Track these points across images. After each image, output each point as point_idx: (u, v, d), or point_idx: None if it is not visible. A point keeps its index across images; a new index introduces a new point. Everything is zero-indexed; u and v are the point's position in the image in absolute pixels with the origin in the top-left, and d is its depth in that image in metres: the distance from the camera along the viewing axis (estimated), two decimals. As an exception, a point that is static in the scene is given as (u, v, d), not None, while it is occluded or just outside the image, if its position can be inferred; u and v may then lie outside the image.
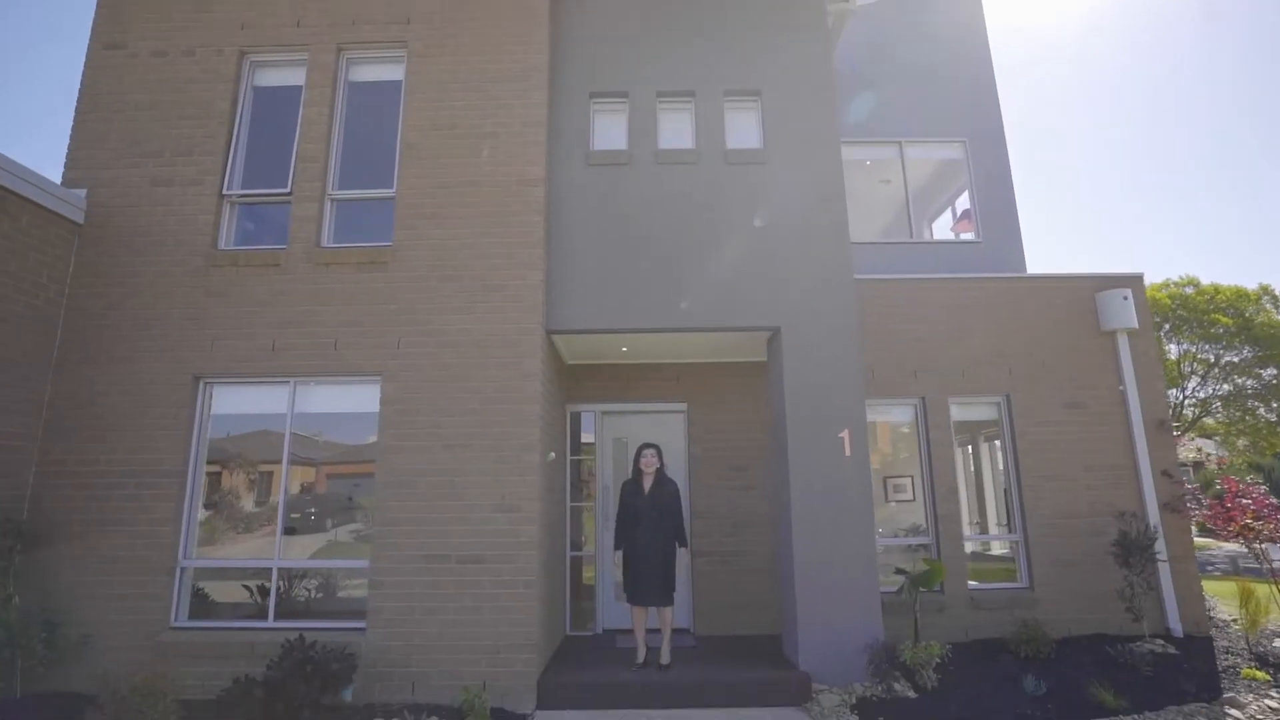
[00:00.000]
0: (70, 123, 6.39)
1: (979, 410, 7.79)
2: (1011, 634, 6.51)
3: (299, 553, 5.90)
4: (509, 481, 5.66)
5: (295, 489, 6.04)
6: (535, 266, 6.07)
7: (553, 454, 6.42)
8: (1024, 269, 8.85)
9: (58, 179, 6.18)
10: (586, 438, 7.84)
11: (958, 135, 9.20)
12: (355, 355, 5.94)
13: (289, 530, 5.90)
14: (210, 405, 6.07)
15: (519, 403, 5.79)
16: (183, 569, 5.73)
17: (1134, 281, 7.76)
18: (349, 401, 6.06)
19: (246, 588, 5.82)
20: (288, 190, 6.37)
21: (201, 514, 5.92)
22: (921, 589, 6.47)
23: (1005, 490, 7.74)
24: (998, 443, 8.04)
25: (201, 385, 6.01)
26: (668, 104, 6.98)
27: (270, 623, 5.65)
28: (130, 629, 5.48)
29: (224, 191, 6.34)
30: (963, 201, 9.35)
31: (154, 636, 5.47)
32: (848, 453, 5.93)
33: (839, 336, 6.19)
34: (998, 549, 7.89)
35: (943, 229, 9.68)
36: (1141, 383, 7.51)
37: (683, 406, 7.74)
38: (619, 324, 6.22)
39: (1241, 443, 23.51)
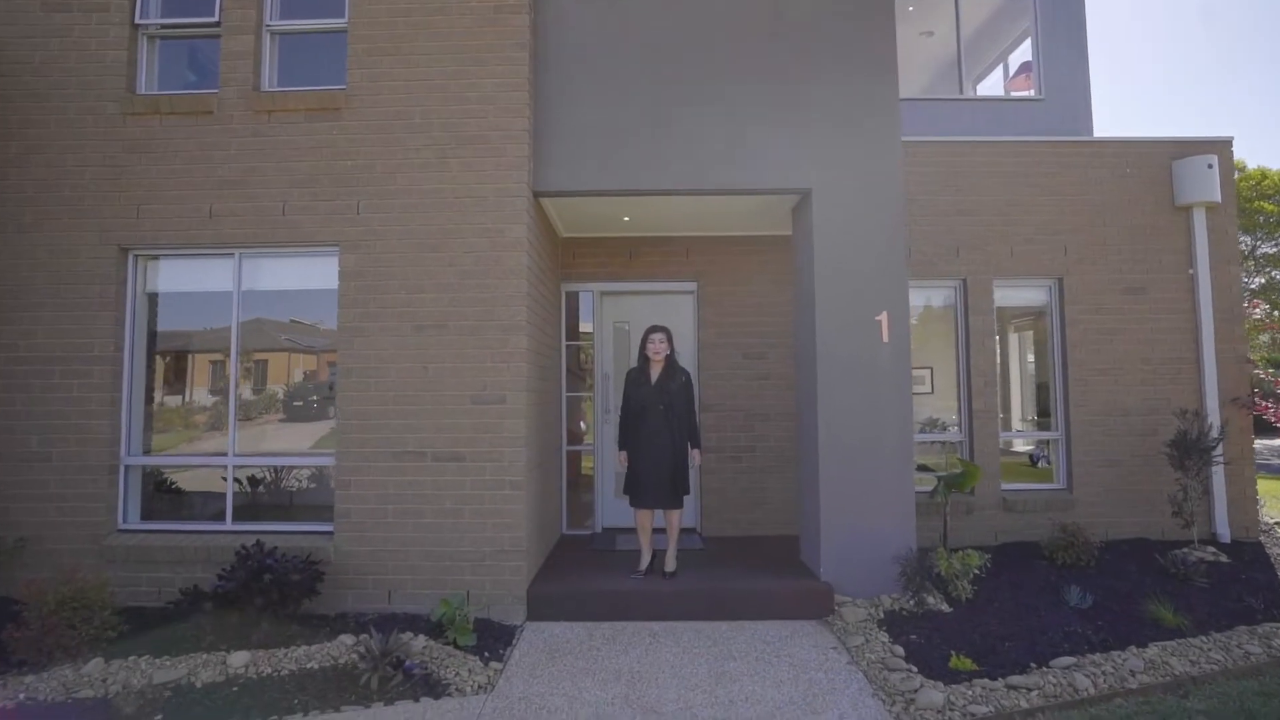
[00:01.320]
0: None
1: (1026, 294, 6.92)
2: (1046, 538, 5.95)
3: (300, 443, 5.27)
4: (491, 369, 4.89)
5: (298, 376, 5.45)
6: (518, 114, 5.03)
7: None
8: (1091, 133, 7.70)
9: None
10: (585, 325, 7.02)
11: (1023, -33, 7.80)
12: (308, 222, 5.02)
13: (292, 419, 5.36)
14: (145, 281, 5.22)
15: (502, 277, 4.93)
16: (126, 467, 5.07)
17: (1220, 146, 6.67)
18: (307, 277, 5.21)
19: (237, 480, 5.21)
20: (215, 20, 5.23)
21: (159, 405, 5.25)
22: (953, 491, 5.85)
23: (1039, 385, 7.02)
24: (1030, 334, 7.25)
25: (131, 258, 5.13)
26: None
27: (228, 525, 5.06)
28: (73, 531, 4.89)
29: (137, 20, 5.20)
30: (1022, 53, 8.05)
31: (100, 540, 4.88)
32: (885, 338, 5.11)
33: (880, 202, 5.23)
34: (1019, 446, 7.25)
35: (993, 90, 8.43)
36: (1215, 266, 6.59)
37: (692, 286, 6.87)
38: (618, 185, 5.24)
39: (1264, 338, 22.70)
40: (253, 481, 5.28)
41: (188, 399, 5.40)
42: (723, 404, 6.70)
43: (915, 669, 3.90)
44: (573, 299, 6.97)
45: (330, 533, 4.91)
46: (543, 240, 5.72)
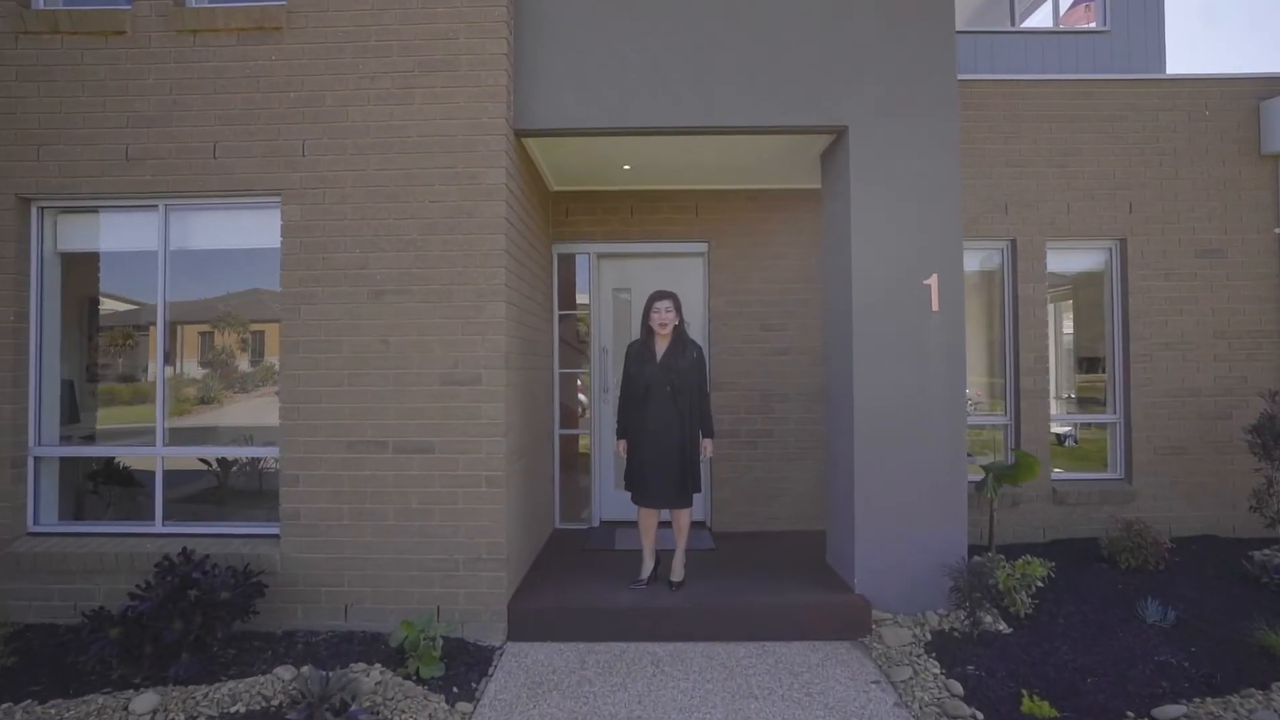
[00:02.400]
0: None
1: (1082, 258, 6.08)
2: (1106, 536, 5.20)
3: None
4: (463, 342, 4.08)
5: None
6: (496, 34, 4.15)
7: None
8: (1164, 70, 6.77)
9: None
10: (581, 294, 6.18)
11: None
12: (243, 167, 4.18)
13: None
14: (55, 239, 4.41)
15: (476, 232, 4.10)
16: (37, 458, 4.30)
17: (1320, 83, 5.76)
18: (246, 234, 4.38)
19: (205, 462, 4.52)
20: (129, -83, 4.33)
21: (88, 385, 4.51)
22: (1002, 484, 5.07)
23: (1079, 361, 6.21)
24: (1069, 303, 6.41)
25: (35, 211, 4.31)
26: None
27: (158, 526, 4.30)
28: (-27, 533, 4.14)
29: (33, -83, 4.32)
30: (1081, -21, 7.09)
31: (4, 546, 4.13)
32: (935, 306, 4.29)
33: (930, 144, 4.36)
34: (1060, 429, 6.45)
35: (1047, 21, 7.43)
36: (1307, 223, 5.73)
37: (702, 247, 6.02)
38: (617, 121, 4.37)
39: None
40: (224, 464, 4.55)
41: (125, 378, 4.62)
42: (736, 382, 5.90)
43: (981, 715, 3.15)
44: (567, 263, 6.14)
45: (277, 536, 4.15)
46: (528, 192, 4.88)
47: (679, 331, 4.41)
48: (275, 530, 4.17)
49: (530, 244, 4.95)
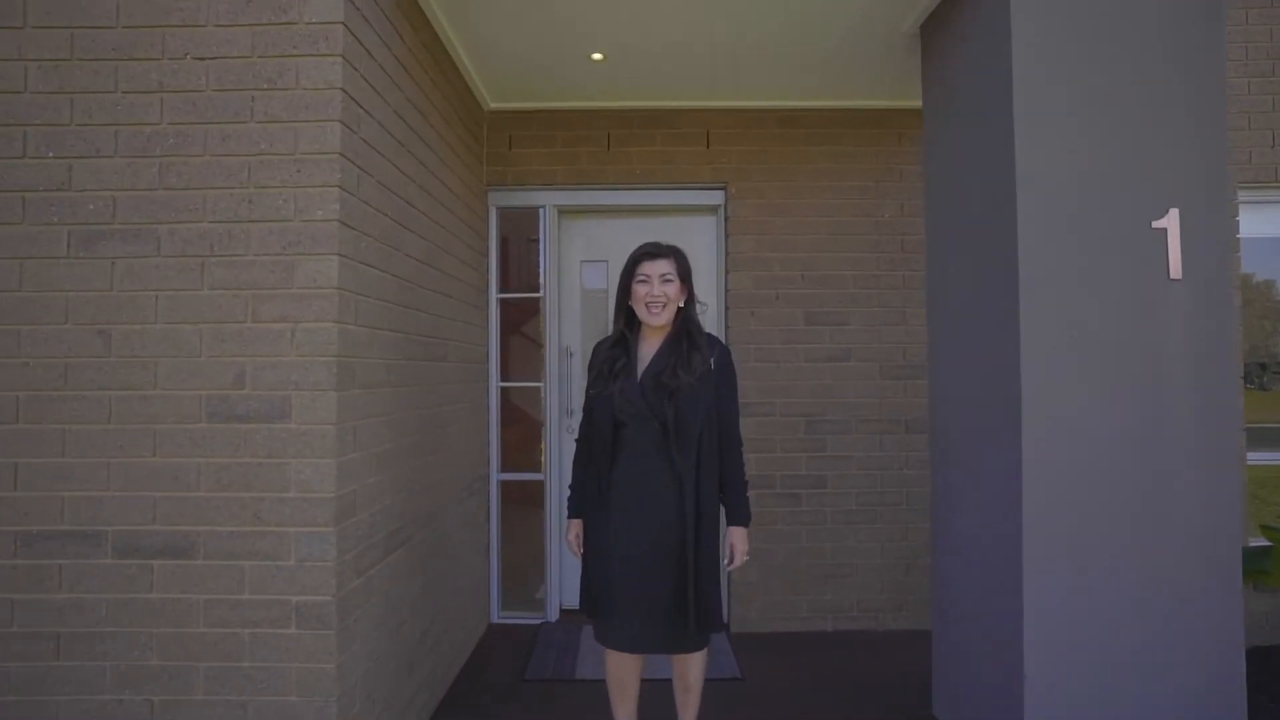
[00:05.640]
0: None
1: (1283, 216, 4.09)
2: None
3: None
4: (257, 336, 2.05)
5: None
6: None
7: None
8: None
9: None
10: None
11: None
12: None
13: None
14: None
15: (284, 118, 2.06)
16: None
17: None
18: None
19: None
20: None
21: None
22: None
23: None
24: None
25: None
26: None
27: None
28: None
29: None
30: None
31: None
32: (1175, 271, 2.28)
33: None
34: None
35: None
36: None
37: (717, 197, 4.00)
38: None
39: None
40: None
41: None
42: (769, 404, 3.88)
43: None
44: (526, 222, 4.12)
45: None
46: (420, 78, 2.86)
47: (685, 319, 2.35)
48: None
49: (427, 169, 2.92)
